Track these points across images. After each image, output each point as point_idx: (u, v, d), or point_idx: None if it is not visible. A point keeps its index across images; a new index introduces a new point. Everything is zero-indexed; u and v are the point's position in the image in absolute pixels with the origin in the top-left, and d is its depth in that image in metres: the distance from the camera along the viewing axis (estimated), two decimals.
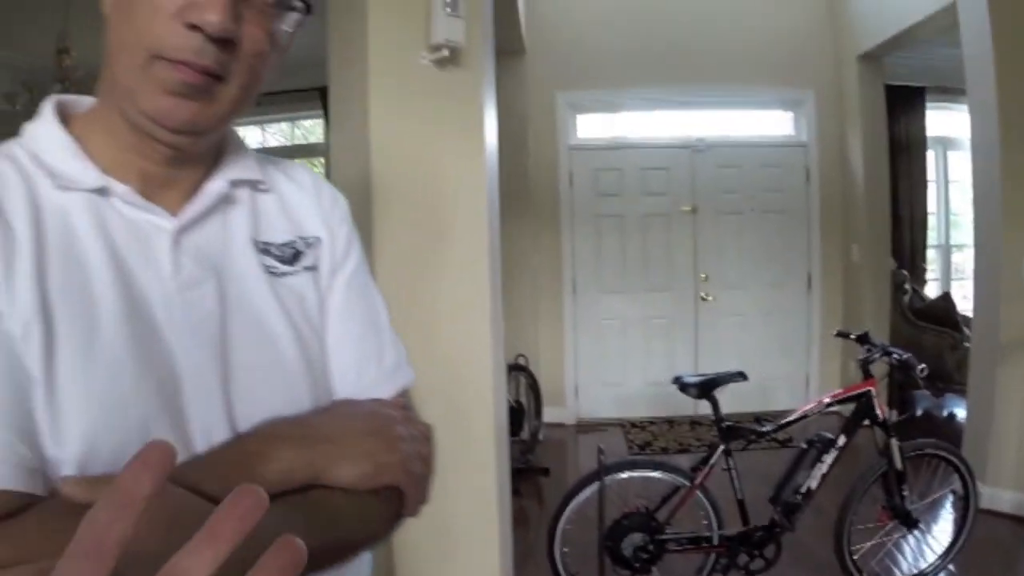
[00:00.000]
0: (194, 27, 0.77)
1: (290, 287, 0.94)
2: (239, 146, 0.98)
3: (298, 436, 0.83)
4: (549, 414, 6.33)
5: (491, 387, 2.74)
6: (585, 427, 6.72)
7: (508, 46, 5.71)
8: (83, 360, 0.75)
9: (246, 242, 0.93)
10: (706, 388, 3.48)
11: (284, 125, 8.05)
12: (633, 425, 6.65)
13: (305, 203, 1.01)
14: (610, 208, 6.86)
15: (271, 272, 0.93)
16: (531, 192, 6.47)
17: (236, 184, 0.94)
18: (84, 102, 0.94)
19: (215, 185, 0.91)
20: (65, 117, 0.89)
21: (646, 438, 6.27)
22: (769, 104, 7.13)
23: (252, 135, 7.64)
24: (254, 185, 0.97)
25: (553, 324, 6.77)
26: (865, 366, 3.54)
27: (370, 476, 0.84)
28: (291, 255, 0.96)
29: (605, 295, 6.89)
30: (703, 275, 6.92)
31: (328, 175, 4.61)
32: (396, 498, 0.88)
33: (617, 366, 6.93)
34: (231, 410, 0.84)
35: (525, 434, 5.51)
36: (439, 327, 2.67)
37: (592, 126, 7.04)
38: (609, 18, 6.74)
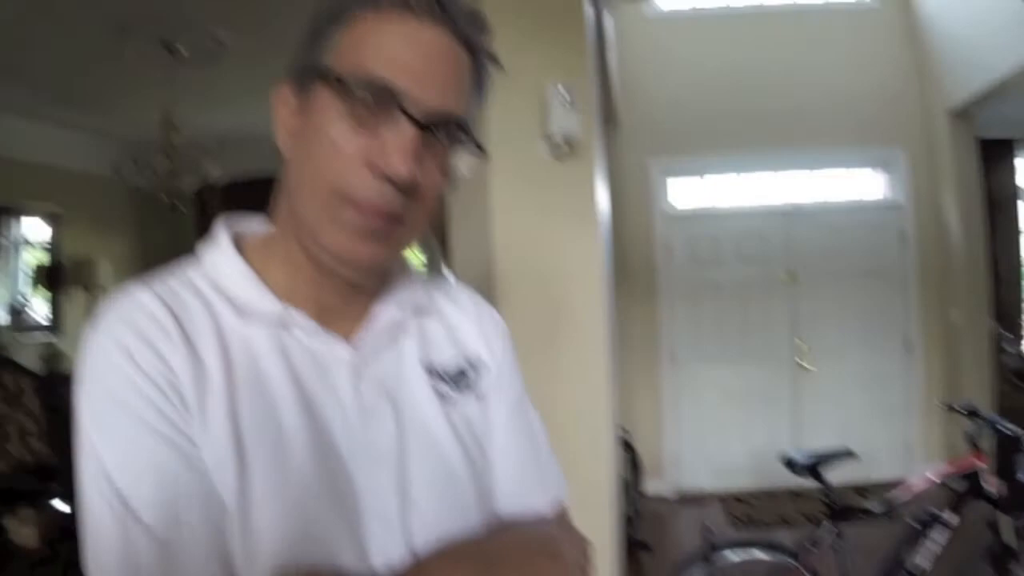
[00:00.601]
0: (380, 174, 0.82)
1: (459, 410, 0.98)
2: (405, 269, 1.03)
3: (476, 558, 0.88)
4: (649, 486, 6.33)
5: (607, 464, 2.80)
6: (685, 500, 6.68)
7: (603, 117, 5.84)
8: (274, 488, 0.81)
9: (418, 367, 0.98)
10: (814, 466, 3.49)
11: None
12: (734, 498, 6.59)
13: (468, 326, 1.06)
14: (707, 276, 6.88)
15: (442, 396, 0.98)
16: (627, 262, 6.54)
17: (407, 311, 0.99)
18: (254, 224, 1.00)
19: (387, 313, 0.96)
20: (237, 241, 0.95)
21: (747, 511, 6.20)
22: (860, 163, 7.06)
23: None
24: (421, 310, 1.02)
25: (651, 395, 6.78)
26: (973, 441, 3.50)
27: None
28: (459, 379, 1.00)
29: (703, 365, 6.88)
30: (801, 342, 6.84)
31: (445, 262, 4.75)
32: None
33: (716, 437, 6.88)
34: (409, 532, 0.88)
35: (627, 509, 5.51)
36: (558, 407, 2.76)
37: (686, 193, 7.08)
38: (698, 84, 6.83)
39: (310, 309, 0.91)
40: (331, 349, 0.91)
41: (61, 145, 7.00)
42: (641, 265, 6.79)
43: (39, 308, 7.14)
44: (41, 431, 4.77)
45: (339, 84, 0.84)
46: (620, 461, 5.58)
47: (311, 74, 0.87)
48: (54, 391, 5.06)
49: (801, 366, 6.83)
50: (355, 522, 0.85)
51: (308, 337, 0.90)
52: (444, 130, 0.87)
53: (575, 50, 2.84)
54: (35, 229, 7.13)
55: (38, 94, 6.07)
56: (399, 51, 0.84)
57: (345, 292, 0.93)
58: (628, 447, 5.60)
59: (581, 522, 2.72)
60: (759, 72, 6.82)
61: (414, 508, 0.90)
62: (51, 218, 7.12)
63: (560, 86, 2.63)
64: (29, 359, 6.16)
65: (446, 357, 1.01)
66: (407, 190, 0.84)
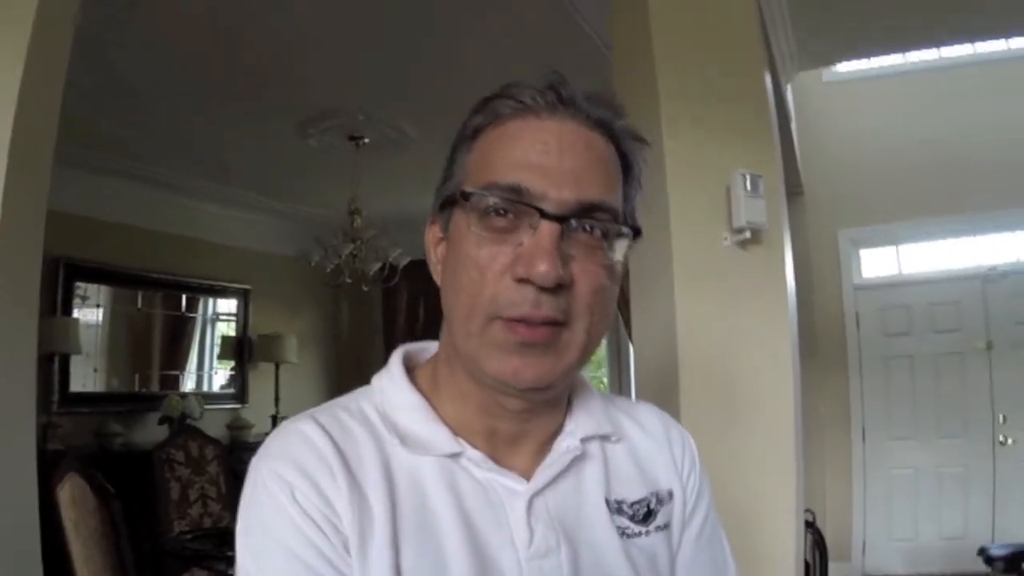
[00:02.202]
0: (524, 280, 0.77)
1: (642, 547, 0.91)
2: (585, 391, 0.97)
3: None
4: (835, 570, 6.01)
5: (792, 553, 2.69)
6: None
7: (788, 189, 5.74)
8: None
9: (599, 502, 0.91)
10: (1014, 561, 3.23)
11: None
12: None
13: (656, 452, 1.00)
14: (899, 348, 6.53)
15: (624, 534, 0.91)
16: (816, 336, 6.30)
17: (588, 440, 0.93)
18: (430, 350, 0.96)
19: (567, 443, 0.91)
20: (410, 369, 0.92)
21: None
22: None
23: None
24: (606, 438, 0.96)
25: (840, 474, 6.45)
26: None
27: None
28: (644, 514, 0.93)
29: (895, 442, 6.49)
30: (1001, 416, 6.36)
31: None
32: None
33: (907, 519, 6.44)
34: None
35: None
36: (741, 495, 2.68)
37: (876, 263, 6.78)
38: (882, 148, 6.55)
39: (483, 439, 0.88)
40: (505, 484, 0.86)
41: (254, 230, 7.51)
42: (831, 339, 6.52)
43: (226, 379, 7.53)
44: (220, 495, 4.98)
45: (470, 199, 0.82)
46: (805, 543, 5.35)
47: (450, 201, 0.85)
48: (238, 458, 5.28)
49: (1002, 443, 6.36)
50: None
51: (480, 470, 0.86)
52: (591, 221, 0.82)
53: (760, 136, 2.77)
54: (228, 305, 7.57)
55: (236, 184, 6.54)
56: (525, 152, 0.81)
57: (521, 417, 0.89)
58: (814, 528, 5.34)
59: None
60: (944, 131, 6.46)
61: None
62: (242, 295, 7.53)
63: (745, 174, 2.57)
64: (215, 428, 6.50)
65: (630, 489, 0.95)
66: (558, 291, 0.78)
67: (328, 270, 5.71)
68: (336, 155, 5.71)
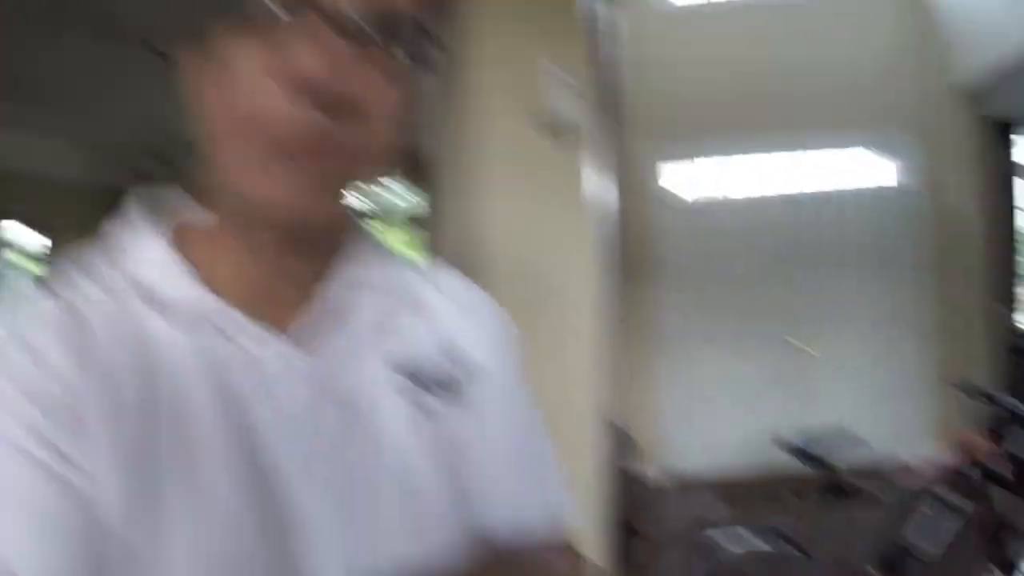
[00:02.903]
0: (293, 83, 0.62)
1: (443, 423, 0.79)
2: (373, 241, 0.84)
3: None
4: (643, 471, 6.18)
5: (594, 452, 2.68)
6: (680, 484, 6.50)
7: (610, 108, 5.73)
8: (186, 514, 0.65)
9: (382, 368, 0.78)
10: (814, 450, 3.34)
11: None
12: (731, 482, 6.43)
13: (464, 325, 0.86)
14: (708, 263, 6.75)
15: (415, 404, 0.78)
16: (629, 248, 6.36)
17: (365, 290, 0.79)
18: (173, 198, 0.80)
19: (336, 292, 0.77)
20: (155, 220, 0.77)
21: (743, 494, 6.03)
22: (868, 146, 6.87)
23: None
24: (387, 292, 0.82)
25: (648, 380, 6.66)
26: (985, 422, 3.37)
27: None
28: (441, 382, 0.81)
29: (702, 350, 6.73)
30: (805, 328, 6.71)
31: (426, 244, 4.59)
32: None
33: (715, 421, 6.74)
34: (361, 567, 0.70)
35: (619, 494, 5.38)
36: (545, 405, 2.62)
37: (689, 183, 6.91)
38: (705, 76, 6.63)
39: (240, 294, 0.73)
40: (262, 343, 0.72)
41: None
42: (644, 255, 6.64)
43: None
44: None
45: (231, 5, 0.64)
46: (614, 446, 5.45)
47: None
48: None
49: (804, 350, 6.70)
50: (291, 553, 0.68)
51: (235, 330, 0.71)
52: (385, 32, 0.65)
53: (573, 40, 2.73)
54: None
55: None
56: None
57: (280, 267, 0.75)
58: (623, 432, 5.45)
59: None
60: (764, 61, 6.64)
61: (370, 534, 0.72)
62: None
63: (558, 73, 2.50)
64: None
65: (428, 359, 0.81)
66: (336, 106, 0.62)
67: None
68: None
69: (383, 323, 0.80)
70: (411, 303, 0.83)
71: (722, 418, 6.75)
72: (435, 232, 2.93)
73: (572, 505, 0.92)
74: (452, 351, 0.83)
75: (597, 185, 2.80)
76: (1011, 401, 3.31)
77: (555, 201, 2.63)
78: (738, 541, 3.24)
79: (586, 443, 2.70)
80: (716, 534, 3.21)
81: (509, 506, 0.84)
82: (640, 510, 5.70)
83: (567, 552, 0.85)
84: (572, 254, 2.64)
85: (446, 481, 0.77)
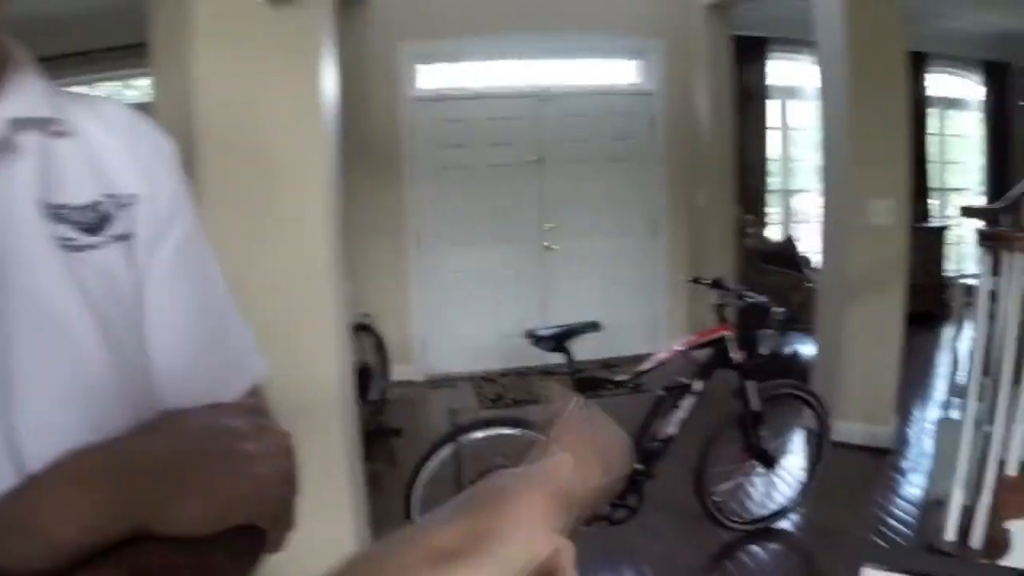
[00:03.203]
0: None
1: (93, 263, 0.67)
2: (25, 66, 0.69)
3: (110, 471, 0.58)
4: (397, 372, 6.15)
5: (335, 350, 2.55)
6: (435, 383, 6.58)
7: None
8: None
9: (30, 205, 0.65)
10: (560, 340, 3.37)
11: (115, 85, 7.26)
12: (483, 379, 6.57)
13: (118, 150, 0.73)
14: (454, 160, 6.66)
15: (66, 245, 0.66)
16: (373, 146, 6.19)
17: (19, 125, 0.66)
18: None
19: None
20: None
21: (497, 391, 6.20)
22: (615, 53, 7.07)
23: None
24: (45, 126, 0.68)
25: (398, 280, 6.57)
26: (720, 311, 3.52)
27: (214, 517, 0.60)
28: (96, 221, 0.68)
29: (451, 248, 6.72)
30: (550, 225, 6.84)
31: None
32: (253, 541, 0.65)
33: (465, 319, 6.80)
34: (12, 437, 0.58)
35: (374, 395, 5.32)
36: (277, 288, 2.45)
37: (435, 77, 6.78)
38: None
39: None
40: None
41: None
42: (389, 149, 6.47)
43: None
44: None
45: None
46: (361, 347, 5.36)
47: None
48: None
49: (549, 247, 6.83)
50: None
51: None
52: None
53: None
54: None
55: None
56: None
57: None
58: (373, 333, 5.36)
59: (308, 413, 2.45)
60: None
61: (19, 399, 0.59)
62: None
63: None
64: None
65: (77, 191, 0.68)
66: None
67: None
68: None
69: (37, 157, 0.67)
70: (67, 135, 0.70)
71: (475, 315, 6.81)
72: (157, 107, 2.66)
73: (260, 361, 0.82)
74: (105, 182, 0.71)
75: (330, 62, 2.60)
76: (742, 288, 3.47)
77: (281, 73, 2.38)
78: (486, 430, 3.24)
79: (328, 344, 2.57)
80: (465, 425, 3.19)
81: (183, 360, 0.73)
82: (397, 410, 5.69)
83: (251, 411, 0.74)
84: (302, 134, 2.41)
85: (102, 327, 0.66)
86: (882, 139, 4.44)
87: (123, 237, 0.70)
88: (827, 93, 4.79)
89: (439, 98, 6.68)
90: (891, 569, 0.93)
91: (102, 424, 0.62)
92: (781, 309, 3.33)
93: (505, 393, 6.14)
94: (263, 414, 0.76)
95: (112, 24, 5.08)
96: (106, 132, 0.74)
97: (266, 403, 0.79)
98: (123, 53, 5.66)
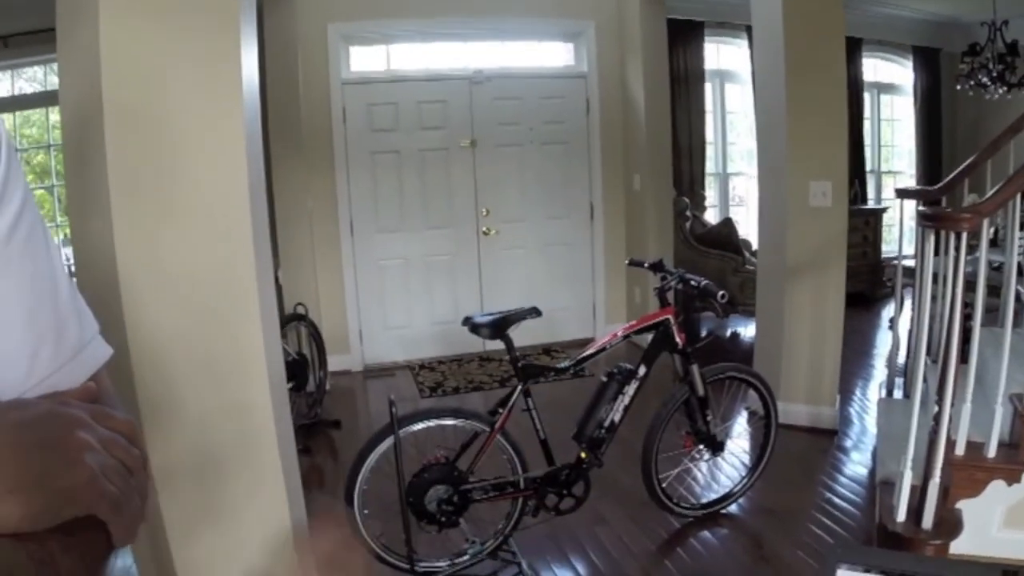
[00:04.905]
0: None
1: None
2: None
3: None
4: (335, 362, 6.03)
5: (261, 339, 2.42)
6: (373, 372, 6.48)
7: None
8: None
9: None
10: (499, 327, 3.28)
11: (38, 70, 6.97)
12: (422, 367, 6.48)
13: None
14: (386, 144, 6.52)
15: None
16: (303, 131, 6.00)
17: None
18: None
19: None
20: None
21: (436, 379, 6.11)
22: (549, 35, 7.00)
23: (2, 84, 6.60)
24: None
25: (332, 269, 6.42)
26: (662, 294, 3.47)
27: (46, 510, 0.55)
28: None
29: (384, 235, 6.59)
30: (484, 210, 6.75)
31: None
32: (93, 533, 0.60)
33: (401, 307, 6.69)
34: None
35: (311, 386, 5.19)
36: (195, 278, 2.32)
37: (366, 59, 6.63)
38: None
39: None
40: None
41: None
42: (319, 133, 6.30)
43: None
44: None
45: None
46: (297, 338, 5.23)
47: None
48: None
49: (485, 233, 6.75)
50: None
51: None
52: None
53: None
54: None
55: None
56: None
57: None
58: (308, 321, 5.23)
59: (235, 409, 2.32)
60: None
61: None
62: None
63: None
64: None
65: None
66: None
67: None
68: None
69: None
70: None
71: (412, 303, 6.71)
72: (62, 83, 2.47)
73: (103, 345, 0.76)
74: None
75: (248, 37, 2.44)
76: (683, 271, 3.42)
77: (194, 49, 2.21)
78: (427, 422, 3.15)
79: (253, 335, 2.43)
80: (404, 418, 3.09)
81: (14, 346, 0.67)
82: (336, 401, 5.57)
83: (84, 395, 0.68)
84: (217, 113, 2.23)
85: None
86: (819, 121, 4.45)
87: None
88: (762, 75, 4.78)
89: (371, 80, 6.53)
90: (867, 569, 0.86)
91: None
92: (722, 292, 3.27)
93: (444, 381, 6.05)
94: (105, 397, 0.71)
95: (32, 8, 4.90)
96: None
97: (108, 389, 0.75)
98: (43, 37, 5.44)
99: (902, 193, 4.58)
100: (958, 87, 8.01)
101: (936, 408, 2.80)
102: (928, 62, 9.21)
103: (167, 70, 2.23)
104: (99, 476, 0.59)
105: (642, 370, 3.37)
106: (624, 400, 3.35)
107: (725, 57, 8.39)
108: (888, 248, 8.69)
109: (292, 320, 5.12)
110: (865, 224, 8.21)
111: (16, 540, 0.54)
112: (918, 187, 6.89)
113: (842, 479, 3.96)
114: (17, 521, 0.53)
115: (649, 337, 3.48)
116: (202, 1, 2.25)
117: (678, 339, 3.40)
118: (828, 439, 4.48)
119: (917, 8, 8.42)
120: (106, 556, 0.63)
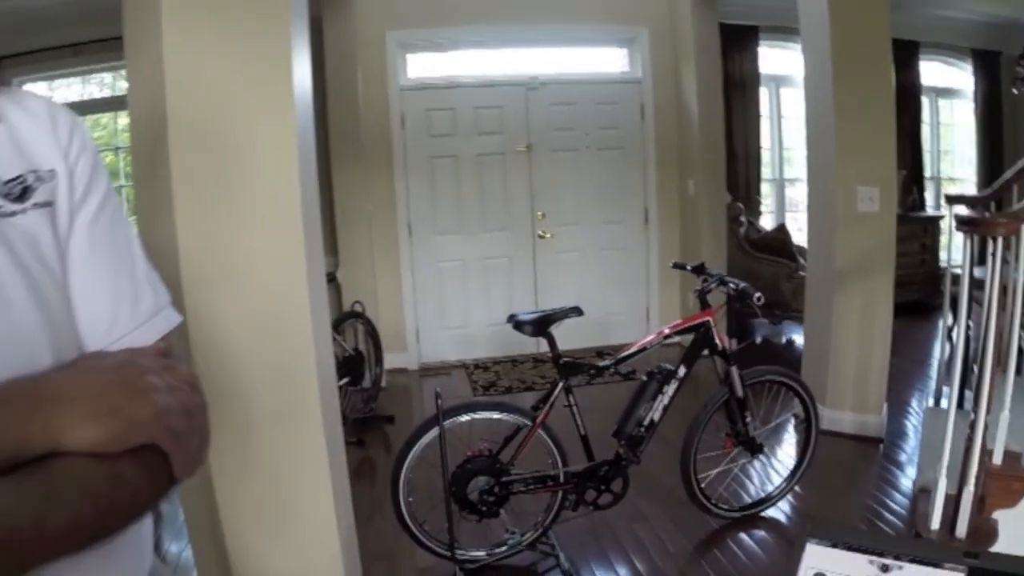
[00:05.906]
0: None
1: (19, 227, 0.79)
2: None
3: (26, 397, 0.69)
4: (391, 360, 6.17)
5: (311, 337, 2.54)
6: (428, 371, 6.61)
7: None
8: None
9: None
10: (541, 325, 3.36)
11: (106, 76, 7.25)
12: (476, 366, 6.58)
13: (37, 133, 0.85)
14: (444, 149, 6.66)
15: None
16: (363, 136, 6.16)
17: None
18: None
19: None
20: None
21: (490, 379, 6.21)
22: (603, 42, 7.07)
23: (73, 89, 6.89)
24: None
25: (390, 269, 6.57)
26: (703, 296, 3.52)
27: (119, 435, 0.71)
28: (20, 191, 0.80)
29: (442, 237, 6.72)
30: (540, 213, 6.84)
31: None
32: (158, 460, 0.75)
33: (457, 308, 6.82)
34: None
35: (367, 382, 5.33)
36: (251, 277, 2.46)
37: (423, 66, 6.76)
38: None
39: None
40: None
41: None
42: (379, 138, 6.46)
43: None
44: None
45: None
46: (354, 335, 5.38)
47: None
48: None
49: (540, 236, 6.83)
50: None
51: None
52: None
53: None
54: None
55: None
56: None
57: None
58: (365, 320, 5.37)
59: (287, 402, 2.44)
60: None
61: None
62: None
63: None
64: None
65: (6, 168, 0.80)
66: None
67: None
68: None
69: None
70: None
71: (468, 303, 6.82)
72: (130, 99, 2.63)
73: (172, 313, 0.94)
74: (27, 159, 0.83)
75: (301, 52, 2.57)
76: (723, 274, 3.46)
77: (250, 63, 2.38)
78: (471, 415, 3.24)
79: (304, 331, 2.56)
80: (449, 409, 3.19)
81: (100, 310, 0.86)
82: (391, 397, 5.70)
83: (160, 353, 0.87)
84: (271, 123, 2.42)
85: (27, 282, 0.78)
86: (867, 125, 4.44)
87: (44, 204, 0.82)
88: (811, 80, 4.78)
89: (428, 86, 6.66)
90: (834, 544, 0.94)
91: (29, 366, 0.74)
92: (758, 294, 3.30)
93: (498, 380, 6.15)
94: (172, 355, 0.88)
95: (101, 17, 5.08)
96: (28, 117, 0.86)
97: (177, 348, 0.91)
98: (112, 45, 5.65)
99: (951, 199, 4.54)
100: (1014, 90, 7.80)
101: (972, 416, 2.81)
102: (988, 65, 8.97)
103: (225, 82, 2.38)
104: (163, 412, 0.74)
105: (682, 371, 3.43)
106: (663, 400, 3.40)
107: (781, 61, 8.31)
108: (947, 256, 8.50)
109: (349, 317, 5.27)
110: (923, 231, 8.09)
111: (95, 458, 0.69)
112: (965, 194, 6.79)
113: (888, 488, 3.95)
114: (95, 442, 0.68)
115: (692, 336, 3.52)
116: (255, 14, 2.38)
117: (718, 341, 3.45)
118: (874, 447, 4.46)
119: (975, 9, 8.23)
120: (169, 483, 0.77)
